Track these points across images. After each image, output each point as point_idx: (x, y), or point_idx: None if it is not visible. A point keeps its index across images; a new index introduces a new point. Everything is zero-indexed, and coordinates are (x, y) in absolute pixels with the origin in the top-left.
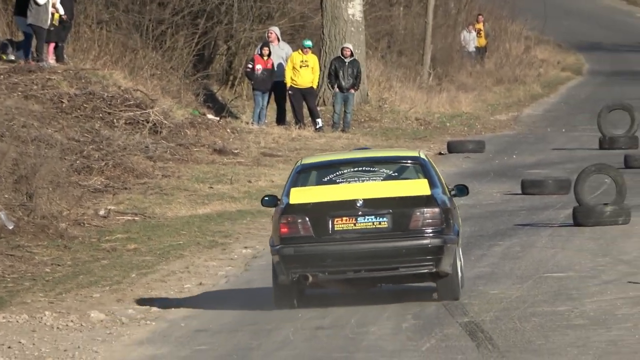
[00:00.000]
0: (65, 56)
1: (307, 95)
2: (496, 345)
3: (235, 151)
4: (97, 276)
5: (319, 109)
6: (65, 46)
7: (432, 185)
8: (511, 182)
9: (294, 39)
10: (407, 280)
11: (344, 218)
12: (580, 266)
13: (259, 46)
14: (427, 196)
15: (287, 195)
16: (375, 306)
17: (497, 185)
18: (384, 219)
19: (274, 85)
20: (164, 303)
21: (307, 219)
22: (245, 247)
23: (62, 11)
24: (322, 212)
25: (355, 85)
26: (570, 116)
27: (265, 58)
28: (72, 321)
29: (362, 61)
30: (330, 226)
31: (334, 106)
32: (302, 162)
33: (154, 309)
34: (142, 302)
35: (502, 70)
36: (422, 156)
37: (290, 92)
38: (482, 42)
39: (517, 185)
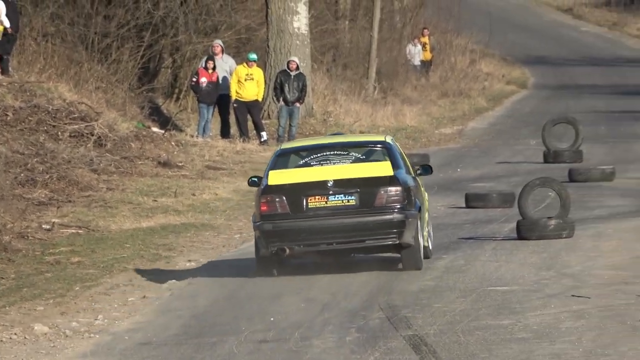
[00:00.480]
0: (10, 69)
1: (251, 108)
2: (440, 359)
3: (180, 164)
4: (41, 289)
5: (264, 122)
6: (10, 59)
7: (395, 166)
8: (455, 195)
9: (239, 52)
10: (374, 251)
11: (317, 197)
12: (524, 280)
13: (203, 59)
14: (390, 176)
15: (266, 177)
16: (319, 319)
17: (441, 199)
18: (352, 197)
19: (219, 98)
20: (108, 316)
21: (284, 198)
22: (189, 260)
23: (7, 24)
24: (297, 192)
25: (301, 98)
26: (515, 130)
27: (210, 71)
28: (15, 334)
29: (307, 74)
30: (304, 204)
31: (279, 119)
32: (282, 147)
33: (98, 321)
34: (86, 315)
35: (447, 84)
36: (389, 140)
37: (235, 105)
38: (428, 55)
39: (461, 199)
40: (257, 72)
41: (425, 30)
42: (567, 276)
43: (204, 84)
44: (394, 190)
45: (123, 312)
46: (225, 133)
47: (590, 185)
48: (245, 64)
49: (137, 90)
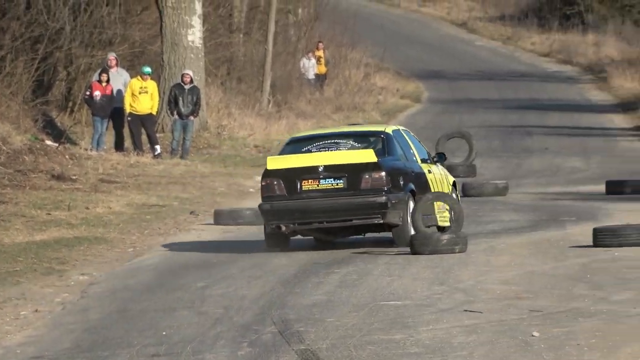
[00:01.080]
0: None
1: (145, 121)
2: None
3: (74, 177)
4: None
5: (158, 135)
6: None
7: (384, 154)
8: None
9: (133, 65)
10: (364, 230)
11: (309, 180)
12: (416, 294)
13: (97, 72)
14: (373, 163)
15: (267, 162)
16: (211, 333)
17: None
18: (341, 181)
19: (113, 111)
20: (0, 330)
21: (281, 181)
22: (82, 274)
23: None
24: (292, 175)
25: (195, 112)
26: None
27: (104, 84)
28: None
29: (201, 88)
30: (298, 187)
31: (172, 133)
32: (292, 137)
33: None
34: None
35: (341, 98)
36: (388, 131)
37: (129, 118)
38: (322, 69)
39: None
40: (151, 85)
41: (320, 44)
42: (460, 291)
43: (98, 97)
44: (377, 175)
45: (15, 325)
46: (119, 146)
47: (483, 199)
48: (139, 78)
49: (31, 103)
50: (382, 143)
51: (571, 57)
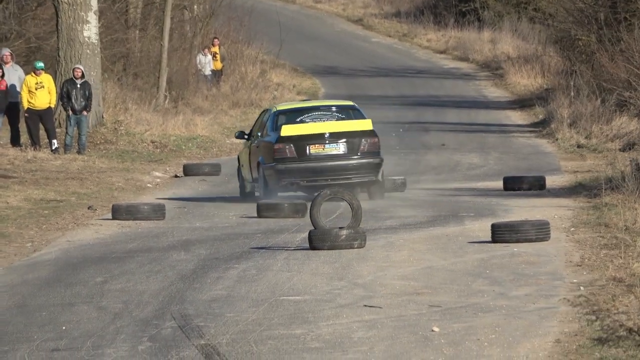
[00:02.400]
0: None
1: (43, 116)
2: None
3: None
4: None
5: (56, 130)
6: None
7: (370, 122)
8: (246, 205)
9: (29, 61)
10: (357, 187)
11: (316, 145)
12: (316, 289)
13: None
14: (370, 130)
15: (278, 130)
16: (111, 327)
17: (232, 208)
18: (343, 146)
19: (8, 106)
20: None
21: (292, 145)
22: None
23: None
24: (302, 141)
25: (87, 107)
26: None
27: None
28: None
29: (97, 83)
30: (307, 150)
31: (66, 128)
32: (278, 108)
33: None
34: None
35: (238, 94)
36: (355, 104)
37: (26, 115)
38: (218, 65)
39: (253, 209)
40: (47, 80)
41: (216, 40)
42: (359, 286)
43: None
44: (373, 140)
45: None
46: (15, 141)
47: None
48: (32, 74)
49: None
50: (357, 114)
51: (467, 54)
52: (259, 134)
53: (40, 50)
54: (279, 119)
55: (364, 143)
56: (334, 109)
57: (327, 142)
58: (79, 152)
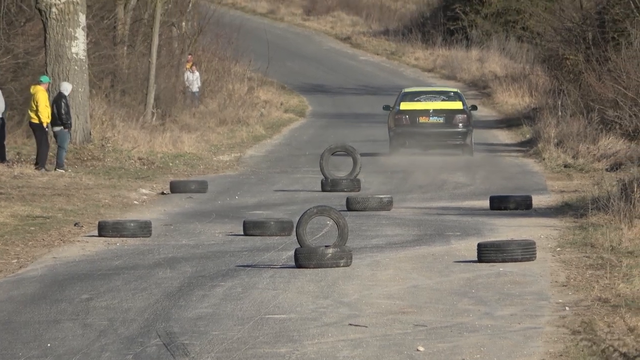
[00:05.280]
0: None
1: (35, 131)
2: None
3: None
4: None
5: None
6: None
7: (463, 104)
8: (233, 223)
9: (17, 77)
10: (451, 148)
11: (423, 117)
12: (301, 308)
13: None
14: (460, 109)
15: (399, 105)
16: (96, 345)
17: (219, 226)
18: (442, 119)
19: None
20: None
21: (407, 116)
22: None
23: None
24: (414, 114)
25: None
26: (293, 158)
27: None
28: None
29: (85, 100)
30: (417, 120)
31: (65, 144)
32: (404, 91)
33: None
34: None
35: (225, 111)
36: (458, 90)
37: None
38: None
39: (240, 226)
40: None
41: (190, 57)
42: (345, 305)
43: None
44: (462, 116)
45: None
46: (1, 158)
47: (367, 214)
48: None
49: None
50: (458, 97)
51: (455, 73)
52: (394, 106)
53: (28, 65)
54: (405, 97)
55: (457, 117)
56: (441, 93)
57: (431, 115)
58: (60, 168)
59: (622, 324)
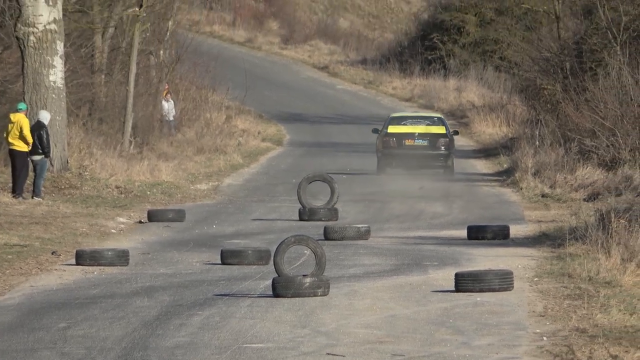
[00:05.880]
0: None
1: (15, 158)
2: None
3: None
4: None
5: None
6: None
7: (446, 129)
8: (211, 251)
9: None
10: (435, 167)
11: (409, 140)
12: (279, 337)
13: None
14: (443, 133)
15: (387, 128)
16: None
17: (196, 255)
18: (426, 142)
19: None
20: None
21: (394, 139)
22: None
23: None
24: (401, 136)
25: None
26: (271, 187)
27: None
28: None
29: (63, 128)
30: (403, 143)
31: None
32: (391, 116)
33: None
34: None
35: (203, 140)
36: (441, 116)
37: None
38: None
39: (217, 255)
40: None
41: (167, 85)
42: (322, 334)
43: None
44: (444, 140)
45: None
46: None
47: (345, 243)
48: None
49: None
50: (441, 122)
51: (432, 102)
52: (382, 129)
53: (5, 94)
54: (390, 121)
55: (441, 141)
56: (426, 118)
57: (416, 138)
58: (38, 197)
59: (603, 352)
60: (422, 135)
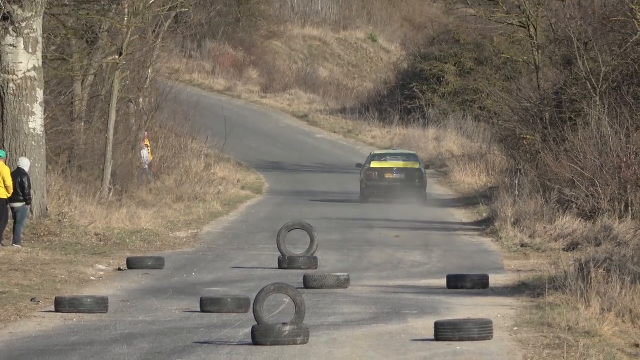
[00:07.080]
0: None
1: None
2: None
3: None
4: None
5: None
6: None
7: (420, 164)
8: (190, 299)
9: None
10: (408, 195)
11: (389, 174)
12: None
13: None
14: (417, 168)
15: (369, 163)
16: None
17: (176, 303)
18: (403, 175)
19: None
20: None
21: (376, 172)
22: None
23: None
24: (381, 171)
25: (27, 199)
26: (250, 235)
27: None
28: None
29: (42, 175)
30: (384, 176)
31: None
32: (373, 153)
33: None
34: None
35: (182, 188)
36: (415, 153)
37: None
38: (151, 157)
39: (196, 303)
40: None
41: (146, 133)
42: None
43: None
44: (418, 174)
45: None
46: None
47: (325, 292)
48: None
49: None
50: (416, 159)
51: (412, 151)
52: (365, 164)
53: None
54: (372, 157)
55: (415, 175)
56: (402, 154)
57: (394, 172)
58: (17, 243)
59: None
60: (399, 170)
